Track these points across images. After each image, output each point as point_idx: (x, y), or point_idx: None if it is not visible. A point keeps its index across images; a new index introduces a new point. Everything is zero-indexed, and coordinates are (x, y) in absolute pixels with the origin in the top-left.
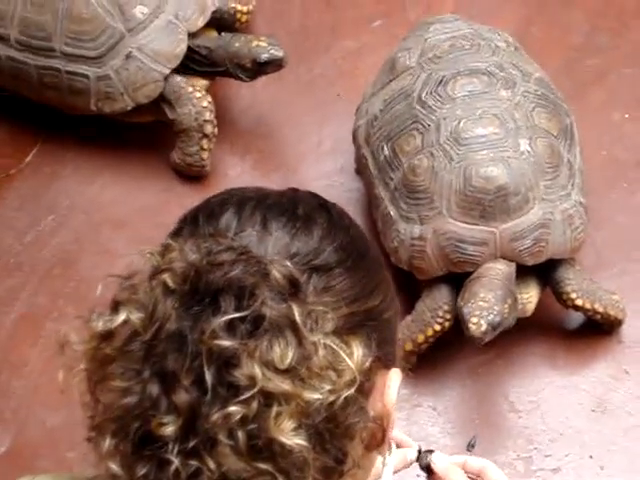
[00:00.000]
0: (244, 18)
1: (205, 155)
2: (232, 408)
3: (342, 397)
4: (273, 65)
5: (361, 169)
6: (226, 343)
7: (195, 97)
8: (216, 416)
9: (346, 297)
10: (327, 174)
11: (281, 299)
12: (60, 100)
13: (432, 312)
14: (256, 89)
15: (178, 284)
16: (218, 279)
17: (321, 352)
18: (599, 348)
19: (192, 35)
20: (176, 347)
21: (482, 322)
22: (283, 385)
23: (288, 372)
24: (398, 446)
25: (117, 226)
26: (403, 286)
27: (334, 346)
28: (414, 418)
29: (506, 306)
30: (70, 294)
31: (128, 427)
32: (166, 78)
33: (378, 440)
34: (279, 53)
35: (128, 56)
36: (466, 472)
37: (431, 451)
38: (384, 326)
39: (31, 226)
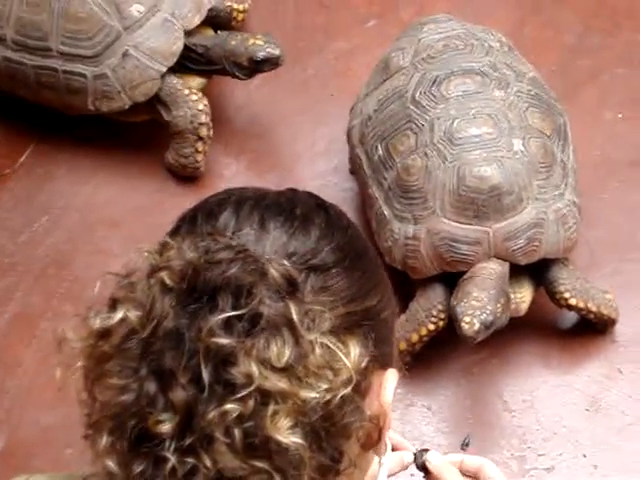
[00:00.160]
0: (240, 16)
1: (199, 157)
2: (229, 406)
3: (338, 396)
4: (270, 63)
5: (355, 169)
6: (223, 341)
7: (191, 100)
8: (213, 414)
9: (343, 297)
10: (321, 174)
11: (278, 298)
12: (57, 100)
13: (426, 312)
14: (250, 89)
15: (176, 282)
16: (216, 277)
17: (318, 351)
18: (593, 347)
19: (188, 33)
20: (173, 345)
21: (475, 321)
22: (280, 383)
23: (285, 370)
24: (395, 449)
25: (111, 226)
26: (397, 286)
27: (331, 345)
28: (408, 417)
29: (499, 305)
30: (64, 294)
31: (125, 425)
32: (162, 77)
33: (374, 440)
34: (276, 51)
35: (125, 54)
36: (463, 471)
37: (426, 450)
38: (381, 326)
39: (25, 226)
